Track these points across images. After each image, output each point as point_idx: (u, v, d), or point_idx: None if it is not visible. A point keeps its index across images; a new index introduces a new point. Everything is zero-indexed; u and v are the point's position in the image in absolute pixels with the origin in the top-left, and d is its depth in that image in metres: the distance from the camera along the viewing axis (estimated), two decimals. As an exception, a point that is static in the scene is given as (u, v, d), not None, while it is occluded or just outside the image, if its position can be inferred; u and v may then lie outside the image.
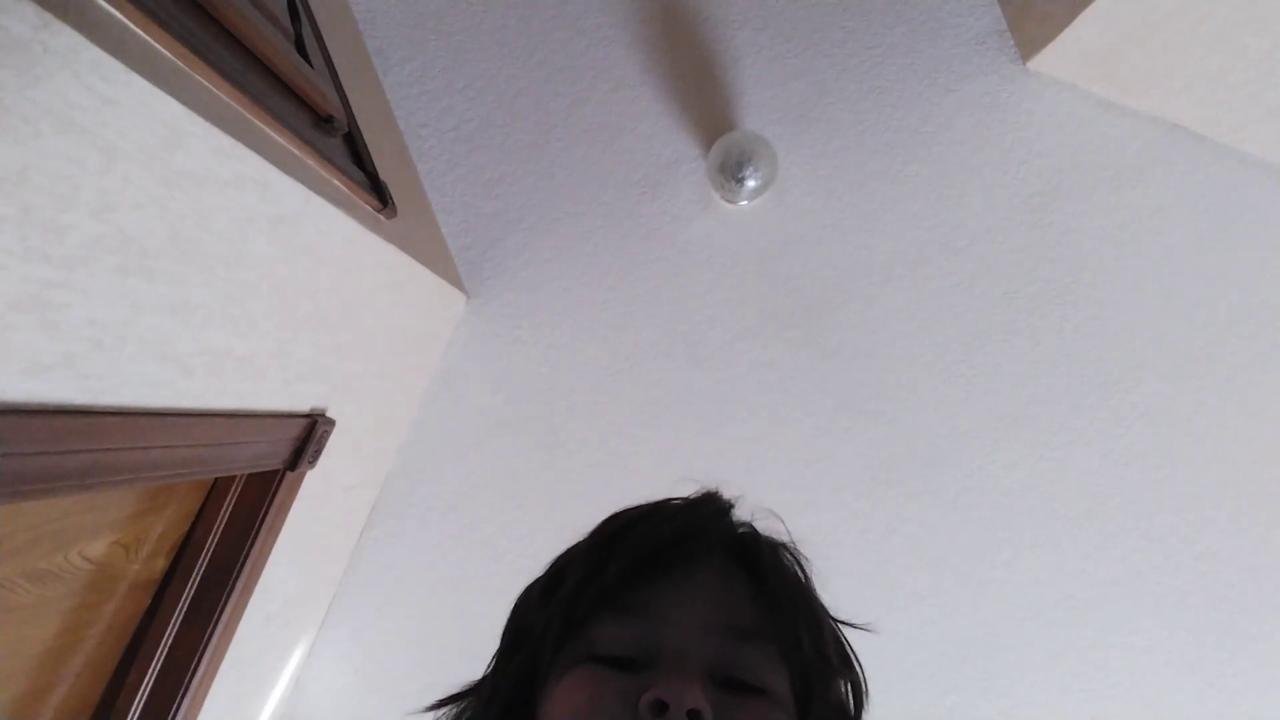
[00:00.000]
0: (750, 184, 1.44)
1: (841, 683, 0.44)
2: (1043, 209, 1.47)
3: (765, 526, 0.49)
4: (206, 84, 0.70)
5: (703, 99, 1.53)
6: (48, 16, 0.50)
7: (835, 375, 1.51)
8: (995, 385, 1.48)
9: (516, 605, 0.48)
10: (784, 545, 0.48)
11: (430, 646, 1.53)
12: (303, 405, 1.10)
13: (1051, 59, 1.41)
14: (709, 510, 0.47)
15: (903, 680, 1.50)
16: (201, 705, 1.05)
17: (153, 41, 0.62)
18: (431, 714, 0.46)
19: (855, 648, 0.46)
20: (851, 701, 0.45)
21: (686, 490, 0.50)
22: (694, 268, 1.53)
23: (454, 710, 0.45)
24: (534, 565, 0.49)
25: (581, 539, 0.47)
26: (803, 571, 0.47)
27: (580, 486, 1.53)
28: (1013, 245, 1.48)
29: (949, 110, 1.49)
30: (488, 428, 1.56)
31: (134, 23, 0.60)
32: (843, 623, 0.46)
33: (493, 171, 1.55)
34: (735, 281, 1.53)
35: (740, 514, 0.49)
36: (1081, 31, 1.30)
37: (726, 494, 0.49)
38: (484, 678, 0.46)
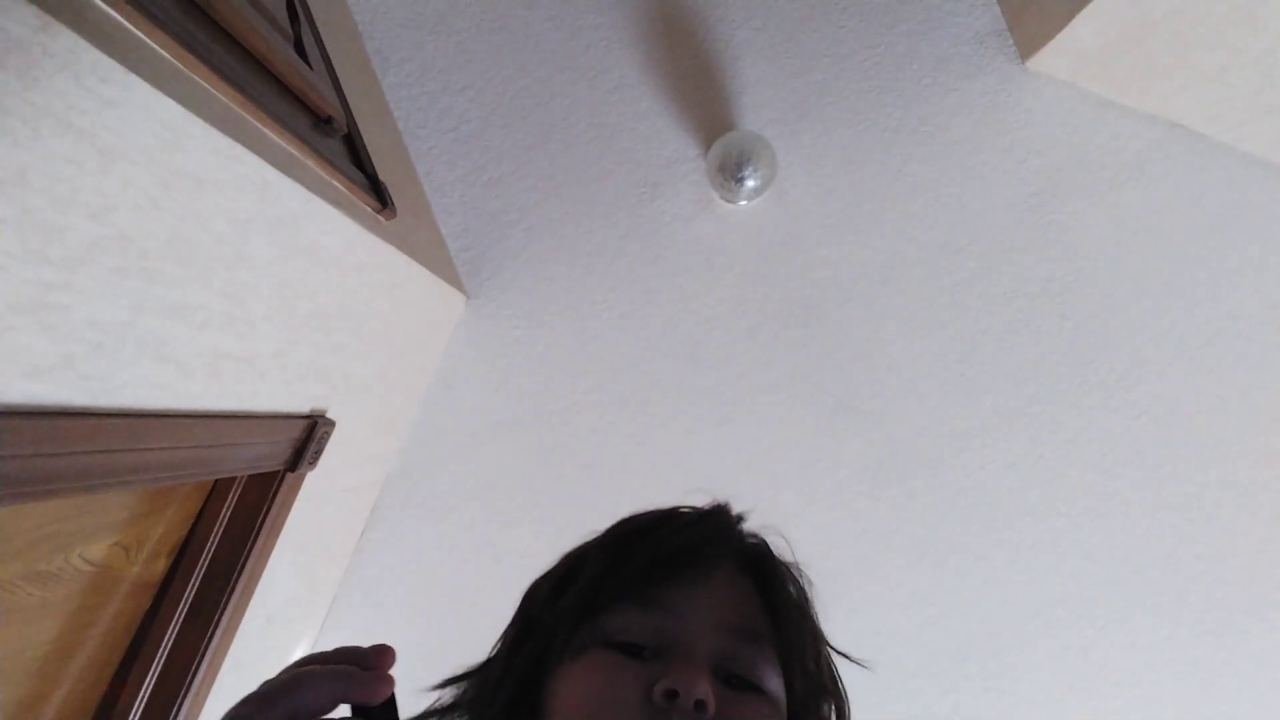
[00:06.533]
0: (750, 184, 1.44)
1: (828, 704, 0.46)
2: (1042, 208, 1.47)
3: (772, 543, 0.51)
4: (205, 85, 0.70)
5: (702, 99, 1.53)
6: (47, 18, 0.50)
7: (835, 375, 1.51)
8: (995, 385, 1.48)
9: (527, 595, 0.51)
10: (791, 564, 0.50)
11: (430, 647, 1.52)
12: (303, 406, 1.10)
13: (1050, 58, 1.41)
14: (723, 520, 0.50)
15: (903, 680, 1.50)
16: (202, 706, 1.05)
17: (152, 43, 0.62)
18: (435, 692, 0.48)
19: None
20: None
21: (695, 500, 0.53)
22: (694, 268, 1.53)
23: (459, 690, 0.48)
24: (534, 565, 0.50)
25: (594, 538, 0.50)
26: (805, 592, 0.49)
27: (580, 486, 1.53)
28: (1012, 244, 1.48)
29: (948, 109, 1.49)
30: (488, 428, 1.56)
31: (133, 25, 0.60)
32: (839, 652, 0.48)
33: (492, 171, 1.55)
34: (735, 281, 1.53)
35: (750, 527, 0.51)
36: (1080, 30, 1.30)
37: (737, 507, 0.52)
38: (490, 660, 0.49)
